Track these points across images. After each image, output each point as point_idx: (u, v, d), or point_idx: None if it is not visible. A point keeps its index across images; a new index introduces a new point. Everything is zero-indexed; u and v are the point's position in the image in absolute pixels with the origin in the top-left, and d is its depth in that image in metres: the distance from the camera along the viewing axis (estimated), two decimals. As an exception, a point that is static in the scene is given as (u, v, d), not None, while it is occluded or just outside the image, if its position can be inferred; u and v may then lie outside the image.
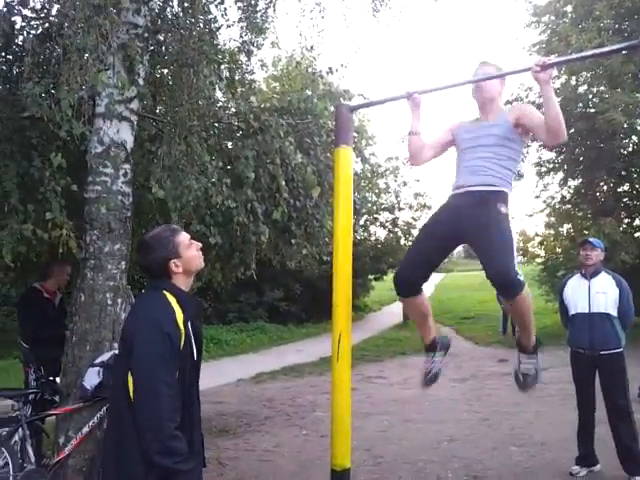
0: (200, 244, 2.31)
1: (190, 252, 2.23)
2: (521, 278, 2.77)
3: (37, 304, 4.67)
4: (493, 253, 2.78)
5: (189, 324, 2.13)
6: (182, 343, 2.07)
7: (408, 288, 3.06)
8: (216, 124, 5.27)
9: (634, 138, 12.40)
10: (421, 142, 3.29)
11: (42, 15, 4.27)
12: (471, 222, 2.86)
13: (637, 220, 13.70)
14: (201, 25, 4.28)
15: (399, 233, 21.25)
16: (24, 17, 4.16)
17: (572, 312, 4.55)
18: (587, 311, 4.41)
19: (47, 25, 4.15)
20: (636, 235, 13.33)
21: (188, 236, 2.27)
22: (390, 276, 26.77)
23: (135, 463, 1.98)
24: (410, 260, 3.10)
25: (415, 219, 21.12)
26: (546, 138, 2.89)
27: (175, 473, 1.95)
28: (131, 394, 2.00)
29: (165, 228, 2.30)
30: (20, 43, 4.23)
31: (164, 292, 2.14)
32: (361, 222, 19.94)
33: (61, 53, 3.39)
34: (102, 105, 3.85)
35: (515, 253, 2.79)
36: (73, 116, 3.41)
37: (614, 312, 4.35)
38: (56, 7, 4.12)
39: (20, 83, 3.64)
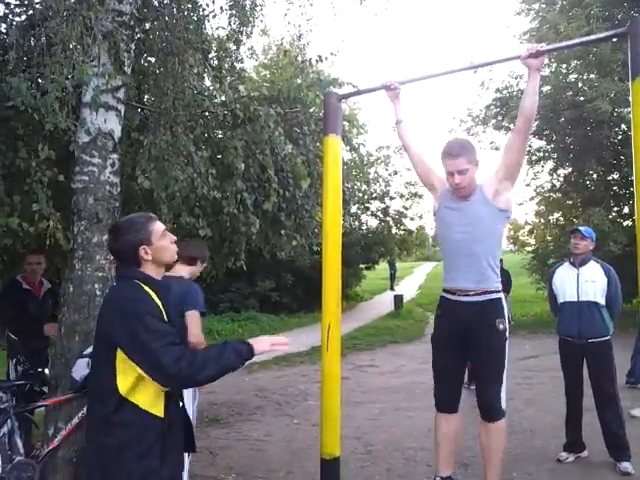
0: (175, 237, 2.26)
1: (163, 242, 2.18)
2: (503, 406, 3.14)
3: (14, 296, 4.64)
4: (485, 380, 3.14)
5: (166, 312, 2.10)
6: None
7: (449, 403, 3.32)
8: (206, 113, 5.23)
9: (623, 127, 12.43)
10: (409, 130, 3.36)
11: (26, 2, 4.20)
12: (472, 341, 3.13)
13: (626, 208, 13.77)
14: (187, 13, 4.22)
15: (390, 222, 21.27)
16: (7, 4, 4.09)
17: (561, 300, 4.58)
18: (576, 299, 4.44)
19: (31, 12, 4.08)
20: (625, 224, 13.41)
21: (163, 226, 2.22)
22: (382, 265, 26.85)
23: (122, 458, 1.97)
24: (439, 381, 3.34)
25: (406, 208, 21.16)
26: (518, 133, 3.01)
27: (240, 362, 2.03)
28: (119, 385, 1.98)
29: (141, 214, 2.26)
30: (3, 31, 4.16)
31: (136, 281, 2.09)
32: (352, 211, 19.92)
33: (45, 45, 3.34)
34: (88, 95, 3.80)
35: (504, 379, 3.12)
36: (58, 106, 3.37)
37: (602, 300, 4.37)
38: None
39: (3, 74, 3.58)
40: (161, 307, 2.05)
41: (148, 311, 1.98)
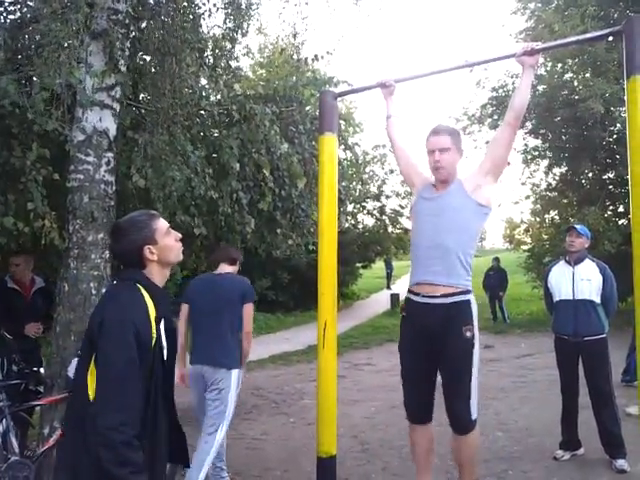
0: (180, 235, 2.11)
1: (168, 240, 2.03)
2: (474, 417, 2.94)
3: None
4: (453, 392, 2.95)
5: (161, 323, 1.94)
6: (153, 344, 1.88)
7: (419, 413, 3.15)
8: (202, 112, 5.22)
9: (618, 126, 12.46)
10: (397, 125, 3.37)
11: (20, 0, 4.19)
12: (438, 348, 2.95)
13: (621, 207, 13.81)
14: (183, 12, 4.21)
15: (386, 221, 21.29)
16: (1, 2, 4.08)
17: (556, 299, 4.58)
18: (571, 298, 4.44)
19: (25, 10, 4.07)
20: (620, 222, 13.45)
21: (167, 224, 2.08)
22: (378, 264, 26.87)
23: (90, 469, 1.79)
24: (409, 391, 3.19)
25: (402, 207, 21.16)
26: (508, 126, 3.00)
27: None
28: (90, 392, 1.82)
29: (142, 212, 2.09)
30: (-2, 29, 4.15)
31: (136, 285, 1.93)
32: (348, 210, 19.91)
33: (33, 45, 3.34)
34: (89, 92, 3.79)
35: (474, 390, 2.93)
36: (52, 106, 3.36)
37: (598, 299, 4.38)
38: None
39: None
40: (152, 319, 1.89)
41: (132, 325, 1.82)
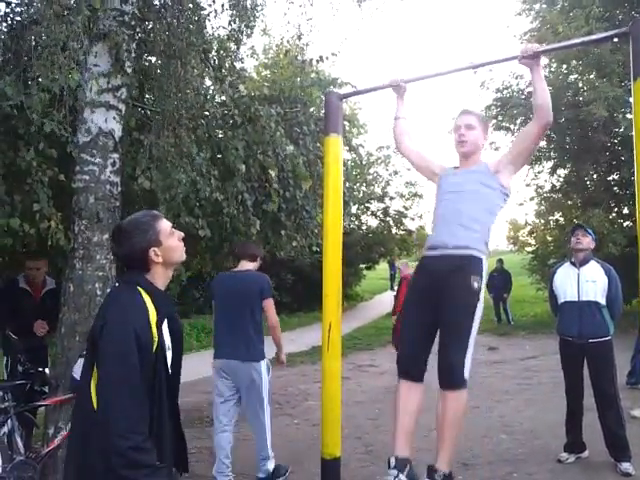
0: (182, 234, 2.08)
1: (172, 241, 2.00)
2: (465, 376, 2.80)
3: (10, 294, 4.63)
4: (449, 339, 2.84)
5: (163, 326, 1.92)
6: (154, 347, 1.85)
7: (412, 367, 3.03)
8: (207, 113, 5.23)
9: (622, 128, 12.41)
10: (405, 126, 3.35)
11: (26, 1, 4.20)
12: (443, 296, 2.86)
13: (625, 209, 13.75)
14: (188, 14, 4.22)
15: (390, 222, 21.27)
16: (8, 3, 4.10)
17: (561, 300, 4.57)
18: (576, 299, 4.43)
19: (31, 12, 4.08)
20: (624, 224, 13.39)
21: (170, 224, 2.05)
22: (382, 265, 26.80)
23: (100, 472, 1.77)
24: (406, 341, 3.11)
25: (406, 208, 21.16)
26: (535, 122, 2.94)
27: None
28: (93, 396, 1.80)
29: (145, 213, 2.05)
30: (4, 30, 4.16)
31: (137, 287, 1.90)
32: (352, 211, 19.92)
33: (32, 47, 3.35)
34: (88, 94, 3.80)
35: (470, 347, 2.81)
36: (54, 107, 3.38)
37: (603, 301, 4.36)
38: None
39: None
40: (153, 322, 1.86)
41: (133, 329, 1.80)
